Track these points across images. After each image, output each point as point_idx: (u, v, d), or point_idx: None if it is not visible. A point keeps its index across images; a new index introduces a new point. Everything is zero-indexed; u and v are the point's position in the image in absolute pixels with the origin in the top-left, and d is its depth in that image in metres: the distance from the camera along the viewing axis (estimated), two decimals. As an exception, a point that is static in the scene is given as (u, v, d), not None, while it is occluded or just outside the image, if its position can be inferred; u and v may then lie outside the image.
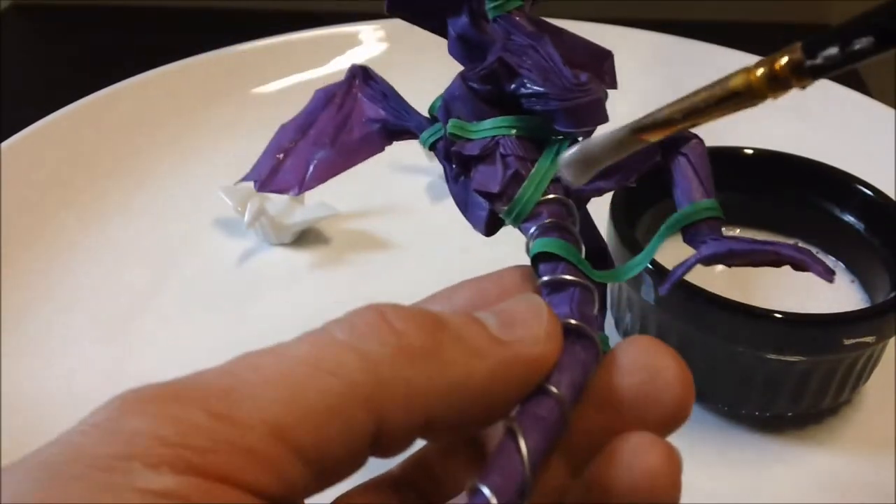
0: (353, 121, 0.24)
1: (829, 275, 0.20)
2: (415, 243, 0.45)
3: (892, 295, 0.34)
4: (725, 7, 0.71)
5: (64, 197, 0.47)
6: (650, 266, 0.33)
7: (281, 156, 0.24)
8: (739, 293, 0.33)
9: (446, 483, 0.22)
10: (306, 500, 0.21)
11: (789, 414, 0.35)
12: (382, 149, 0.24)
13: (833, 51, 0.15)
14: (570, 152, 0.20)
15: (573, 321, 0.19)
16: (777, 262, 0.20)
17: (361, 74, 0.24)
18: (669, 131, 0.18)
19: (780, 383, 0.33)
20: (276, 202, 0.45)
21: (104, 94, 0.53)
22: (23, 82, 0.66)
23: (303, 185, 0.24)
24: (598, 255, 0.22)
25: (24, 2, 0.78)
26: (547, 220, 0.21)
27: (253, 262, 0.44)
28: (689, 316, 0.33)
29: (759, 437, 0.35)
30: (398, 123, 0.24)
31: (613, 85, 0.22)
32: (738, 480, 0.33)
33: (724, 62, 0.60)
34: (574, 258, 0.20)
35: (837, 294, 0.37)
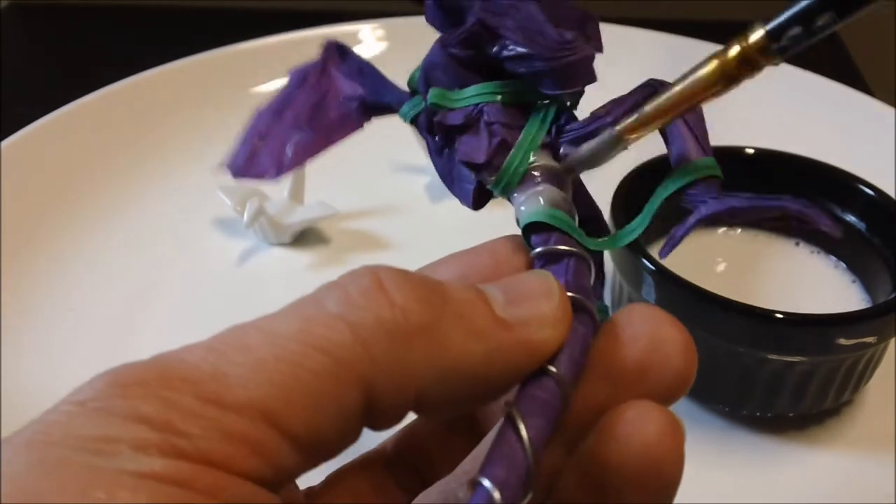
0: (330, 99, 0.23)
1: (835, 229, 0.19)
2: (415, 243, 0.45)
3: (893, 295, 0.34)
4: (729, 6, 0.71)
5: (63, 196, 0.47)
6: (650, 266, 0.33)
7: (257, 141, 0.23)
8: (740, 293, 0.33)
9: (440, 460, 0.21)
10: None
11: (790, 414, 0.35)
12: (361, 126, 0.23)
13: (796, 30, 0.16)
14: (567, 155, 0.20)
15: (571, 294, 0.18)
16: (781, 217, 0.19)
17: (336, 51, 0.23)
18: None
19: (781, 384, 0.33)
20: (276, 202, 0.45)
21: (104, 94, 0.53)
22: (22, 81, 0.65)
23: (280, 169, 0.22)
24: (592, 221, 0.21)
25: (23, 1, 0.78)
26: (536, 189, 0.20)
27: (252, 262, 0.44)
28: (690, 316, 0.33)
29: (760, 438, 0.35)
30: (376, 99, 0.23)
31: (600, 48, 0.21)
32: (738, 481, 0.33)
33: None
34: (567, 226, 0.19)
35: (838, 294, 0.37)
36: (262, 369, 0.15)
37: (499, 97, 0.20)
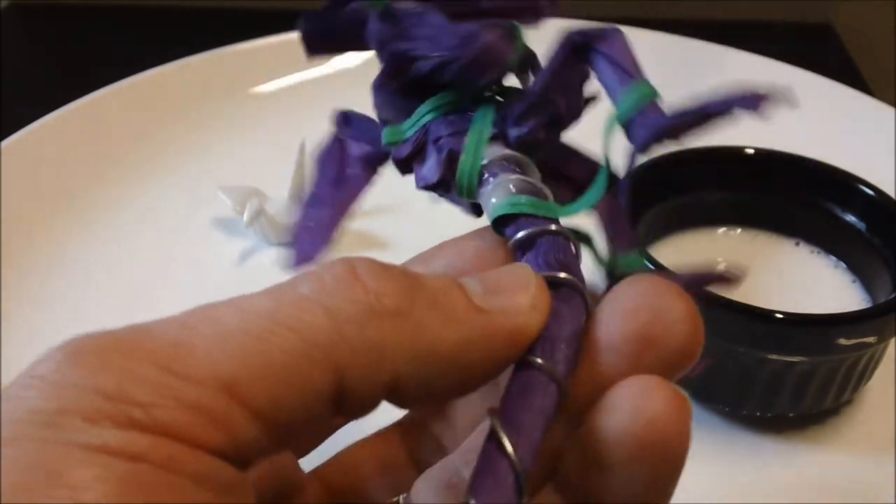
0: (346, 167, 0.23)
1: (760, 102, 0.19)
2: (415, 243, 0.45)
3: (894, 295, 0.34)
4: (729, 6, 0.71)
5: (63, 196, 0.47)
6: (651, 266, 0.33)
7: (304, 233, 0.24)
8: (739, 293, 0.33)
9: (458, 421, 0.21)
10: (302, 460, 0.21)
11: (790, 414, 0.35)
12: (368, 182, 0.23)
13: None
14: None
15: (546, 275, 0.18)
16: (718, 114, 0.19)
17: (342, 118, 0.23)
18: None
19: (781, 384, 0.33)
20: (276, 201, 0.45)
21: (104, 94, 0.52)
22: (22, 81, 0.65)
23: (325, 246, 0.24)
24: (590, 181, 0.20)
25: (23, 1, 0.78)
26: (497, 181, 0.19)
27: (252, 262, 0.44)
28: (690, 316, 0.33)
29: (760, 438, 0.35)
30: (377, 151, 0.23)
31: (555, 9, 0.21)
32: (738, 481, 0.33)
33: (726, 61, 0.60)
34: (531, 208, 0.19)
35: (839, 294, 0.37)
36: (227, 341, 0.15)
37: (440, 110, 0.20)
